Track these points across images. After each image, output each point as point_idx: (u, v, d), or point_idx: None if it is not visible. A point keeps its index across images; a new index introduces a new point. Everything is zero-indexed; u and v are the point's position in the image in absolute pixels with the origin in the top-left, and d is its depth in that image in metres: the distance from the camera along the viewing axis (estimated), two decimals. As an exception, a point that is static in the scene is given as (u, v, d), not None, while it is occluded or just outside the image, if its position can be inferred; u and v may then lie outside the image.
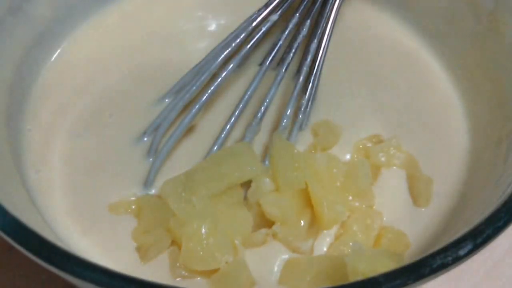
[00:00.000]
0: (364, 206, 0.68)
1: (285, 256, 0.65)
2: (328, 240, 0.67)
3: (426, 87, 0.79)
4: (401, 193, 0.71)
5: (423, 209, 0.69)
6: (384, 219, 0.68)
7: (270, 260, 0.65)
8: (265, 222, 0.66)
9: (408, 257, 0.65)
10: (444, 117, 0.76)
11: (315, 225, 0.66)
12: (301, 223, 0.66)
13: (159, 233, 0.64)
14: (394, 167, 0.71)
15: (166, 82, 0.75)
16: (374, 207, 0.69)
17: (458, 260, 0.51)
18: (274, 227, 0.65)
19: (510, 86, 0.70)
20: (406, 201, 0.70)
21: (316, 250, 0.66)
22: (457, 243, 0.52)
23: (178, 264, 0.63)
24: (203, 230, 0.61)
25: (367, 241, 0.66)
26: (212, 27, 0.84)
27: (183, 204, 0.62)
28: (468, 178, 0.71)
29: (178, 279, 0.63)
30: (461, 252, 0.52)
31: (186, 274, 0.63)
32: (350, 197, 0.68)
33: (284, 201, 0.65)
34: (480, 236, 0.53)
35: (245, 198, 0.66)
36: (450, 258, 0.51)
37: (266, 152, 0.70)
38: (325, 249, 0.66)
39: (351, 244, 0.65)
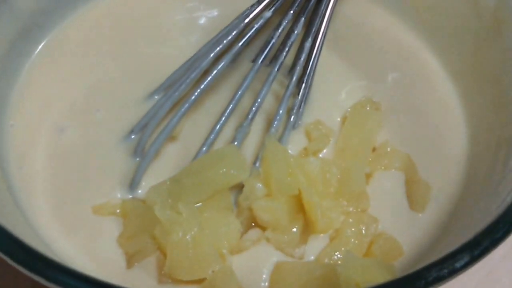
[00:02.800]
0: (359, 210, 0.67)
1: (274, 260, 0.64)
2: (320, 244, 0.65)
3: (425, 87, 0.77)
4: (398, 196, 0.69)
5: (420, 215, 0.68)
6: (379, 221, 0.67)
7: (258, 264, 0.64)
8: (256, 225, 0.65)
9: (401, 265, 0.64)
10: (443, 119, 0.75)
11: (307, 231, 0.65)
12: (293, 229, 0.65)
13: (144, 240, 0.63)
14: (393, 170, 0.70)
15: (156, 77, 0.73)
16: (369, 210, 0.68)
17: (454, 272, 0.50)
18: (266, 233, 0.64)
19: (511, 88, 0.68)
20: (403, 205, 0.69)
21: (308, 254, 0.65)
22: (454, 255, 0.51)
23: (163, 272, 0.61)
24: (189, 239, 0.60)
25: (360, 247, 0.65)
26: (204, 19, 0.82)
27: (168, 211, 0.61)
28: (466, 184, 0.70)
29: (164, 284, 0.62)
30: (458, 265, 0.51)
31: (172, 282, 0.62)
32: (345, 202, 0.67)
33: (276, 207, 0.64)
34: (477, 248, 0.51)
35: (236, 202, 0.65)
36: (446, 271, 0.50)
37: (257, 154, 0.68)
38: (317, 253, 0.65)
39: (343, 249, 0.64)
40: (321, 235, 0.66)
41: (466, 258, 0.51)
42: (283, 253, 0.64)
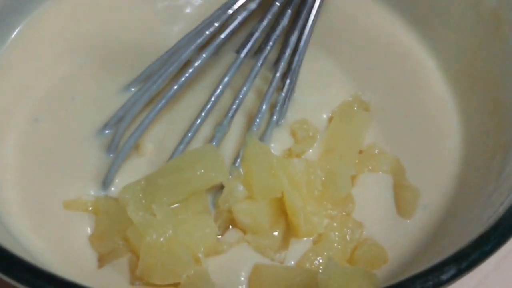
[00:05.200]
0: (343, 214, 0.65)
1: (253, 262, 0.62)
2: (303, 248, 0.63)
3: (419, 88, 0.75)
4: (385, 201, 0.67)
5: (407, 221, 0.66)
6: (365, 226, 0.65)
7: (236, 266, 0.62)
8: (234, 226, 0.64)
9: (385, 273, 0.62)
10: (436, 122, 0.73)
11: (289, 234, 0.64)
12: (275, 233, 0.63)
13: (116, 241, 0.61)
14: (380, 173, 0.68)
15: (135, 67, 0.71)
16: (354, 214, 0.66)
17: (439, 285, 0.50)
18: (246, 237, 0.63)
19: (509, 93, 0.66)
20: (389, 210, 0.67)
21: (290, 257, 0.63)
22: (440, 267, 0.50)
23: (136, 275, 0.59)
24: (163, 242, 0.57)
25: (343, 253, 0.63)
26: (188, 8, 0.79)
27: (142, 213, 0.59)
28: (457, 191, 0.68)
29: (136, 286, 0.60)
30: (444, 277, 0.50)
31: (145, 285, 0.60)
32: (329, 205, 0.65)
33: (257, 210, 0.62)
34: (465, 260, 0.50)
35: (215, 204, 0.63)
36: (431, 283, 0.49)
37: (238, 152, 0.66)
38: (298, 257, 0.63)
39: (325, 254, 0.62)
40: (304, 238, 0.63)
41: (452, 271, 0.49)
42: (263, 255, 0.62)
